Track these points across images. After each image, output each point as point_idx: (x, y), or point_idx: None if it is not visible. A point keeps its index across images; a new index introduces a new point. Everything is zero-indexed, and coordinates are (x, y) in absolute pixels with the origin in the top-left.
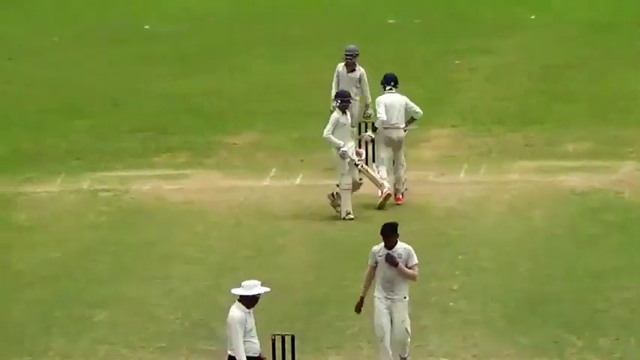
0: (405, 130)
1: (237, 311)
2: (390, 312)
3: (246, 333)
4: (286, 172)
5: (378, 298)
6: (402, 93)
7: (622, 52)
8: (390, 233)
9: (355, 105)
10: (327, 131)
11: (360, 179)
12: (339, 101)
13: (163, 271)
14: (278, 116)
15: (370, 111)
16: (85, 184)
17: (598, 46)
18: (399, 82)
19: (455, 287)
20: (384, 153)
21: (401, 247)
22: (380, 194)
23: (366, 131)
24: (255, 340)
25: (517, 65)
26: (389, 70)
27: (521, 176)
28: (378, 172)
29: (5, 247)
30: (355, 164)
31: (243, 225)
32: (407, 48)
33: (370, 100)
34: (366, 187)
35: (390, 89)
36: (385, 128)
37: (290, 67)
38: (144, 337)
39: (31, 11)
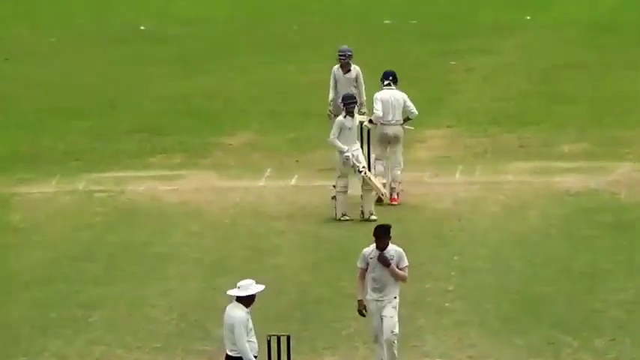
0: (403, 127)
1: (239, 312)
2: (380, 313)
3: (247, 333)
4: (281, 172)
5: (368, 301)
6: (402, 91)
7: (621, 53)
8: (382, 235)
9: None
10: (332, 135)
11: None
12: (344, 104)
13: (159, 271)
14: (273, 117)
15: (364, 109)
16: (81, 185)
17: (597, 47)
18: (398, 79)
19: (450, 288)
20: (378, 150)
21: (392, 248)
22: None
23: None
24: (254, 340)
25: (515, 66)
26: (386, 69)
27: (517, 177)
28: (375, 169)
29: (0, 248)
30: (359, 170)
31: (238, 225)
32: (403, 48)
33: (365, 98)
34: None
35: (388, 84)
36: (381, 124)
37: (286, 68)
38: (139, 337)
39: (29, 11)
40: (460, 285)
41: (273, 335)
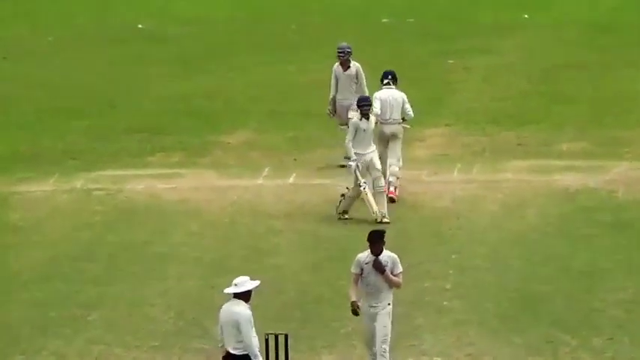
0: (402, 125)
1: (242, 308)
2: (374, 320)
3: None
4: (280, 171)
5: (362, 305)
6: (402, 91)
7: (620, 53)
8: (377, 240)
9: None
10: (348, 139)
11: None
12: (359, 106)
13: (158, 270)
14: (272, 116)
15: None
16: (79, 184)
17: (596, 47)
18: (398, 79)
19: (448, 286)
20: (379, 148)
21: (386, 254)
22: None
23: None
24: (256, 336)
25: (514, 66)
26: (383, 70)
27: (515, 175)
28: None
29: (0, 247)
30: (359, 184)
31: (237, 224)
32: (402, 48)
33: (367, 93)
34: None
35: (388, 83)
36: (380, 123)
37: (285, 68)
38: (138, 336)
39: (29, 11)
40: (458, 284)
41: (271, 334)
